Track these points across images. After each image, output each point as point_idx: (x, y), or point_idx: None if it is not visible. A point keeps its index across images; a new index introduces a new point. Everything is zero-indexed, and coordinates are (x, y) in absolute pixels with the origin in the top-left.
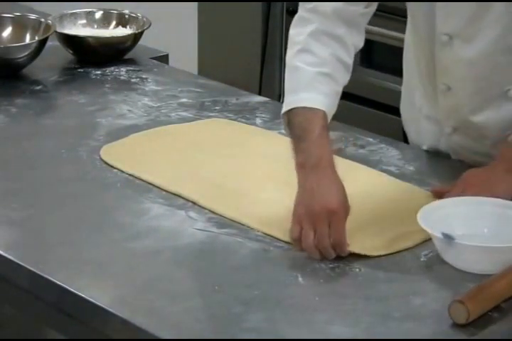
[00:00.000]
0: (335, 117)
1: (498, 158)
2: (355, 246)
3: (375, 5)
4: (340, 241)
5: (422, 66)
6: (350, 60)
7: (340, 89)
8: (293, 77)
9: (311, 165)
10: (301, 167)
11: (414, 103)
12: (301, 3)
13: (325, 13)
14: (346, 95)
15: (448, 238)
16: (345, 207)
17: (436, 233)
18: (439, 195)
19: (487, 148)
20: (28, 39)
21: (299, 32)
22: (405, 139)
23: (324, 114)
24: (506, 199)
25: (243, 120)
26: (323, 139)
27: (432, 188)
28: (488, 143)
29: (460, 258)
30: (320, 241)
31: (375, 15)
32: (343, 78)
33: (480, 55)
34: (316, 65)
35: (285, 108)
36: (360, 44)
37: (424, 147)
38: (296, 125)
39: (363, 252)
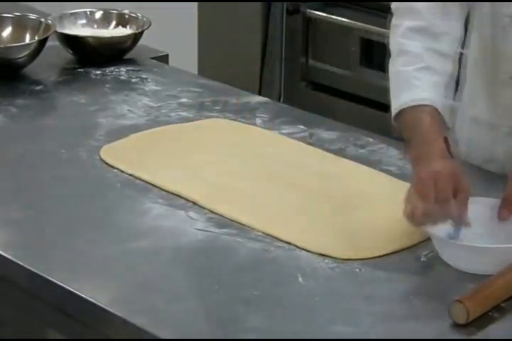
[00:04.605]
0: (335, 117)
1: None
2: (354, 246)
3: None
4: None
5: (479, 58)
6: (447, 49)
7: (443, 79)
8: (393, 82)
9: (424, 158)
10: (415, 161)
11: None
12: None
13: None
14: (346, 95)
15: (454, 234)
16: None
17: (435, 233)
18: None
19: None
20: (28, 39)
21: (392, 38)
22: None
23: (431, 108)
24: None
25: (243, 120)
26: (433, 133)
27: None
28: None
29: (459, 258)
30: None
31: (374, 14)
32: (444, 67)
33: None
34: (411, 63)
35: (393, 113)
36: (456, 32)
37: (478, 161)
38: (405, 126)
39: (363, 254)
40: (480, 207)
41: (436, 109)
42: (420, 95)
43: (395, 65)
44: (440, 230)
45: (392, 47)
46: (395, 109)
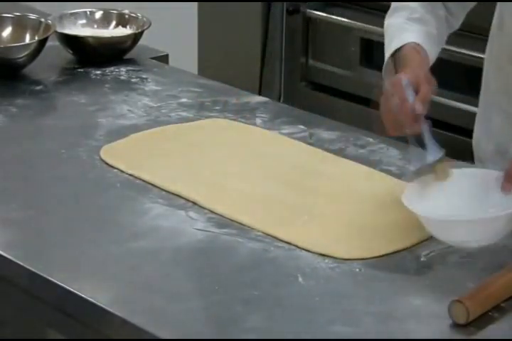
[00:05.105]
0: (335, 117)
1: None
2: (354, 246)
3: None
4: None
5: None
6: (442, 15)
7: (434, 31)
8: (386, 36)
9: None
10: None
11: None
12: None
13: None
14: (346, 95)
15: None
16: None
17: (419, 212)
18: None
19: None
20: (28, 39)
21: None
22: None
23: (414, 43)
24: None
25: (243, 120)
26: (417, 55)
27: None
28: None
29: (450, 234)
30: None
31: (374, 14)
32: (437, 24)
33: None
34: (405, 15)
35: (384, 67)
36: (453, 25)
37: (491, 146)
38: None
39: (363, 254)
40: (467, 177)
41: (420, 45)
42: (407, 38)
43: (388, 19)
44: (430, 208)
45: (391, 6)
46: (386, 62)
